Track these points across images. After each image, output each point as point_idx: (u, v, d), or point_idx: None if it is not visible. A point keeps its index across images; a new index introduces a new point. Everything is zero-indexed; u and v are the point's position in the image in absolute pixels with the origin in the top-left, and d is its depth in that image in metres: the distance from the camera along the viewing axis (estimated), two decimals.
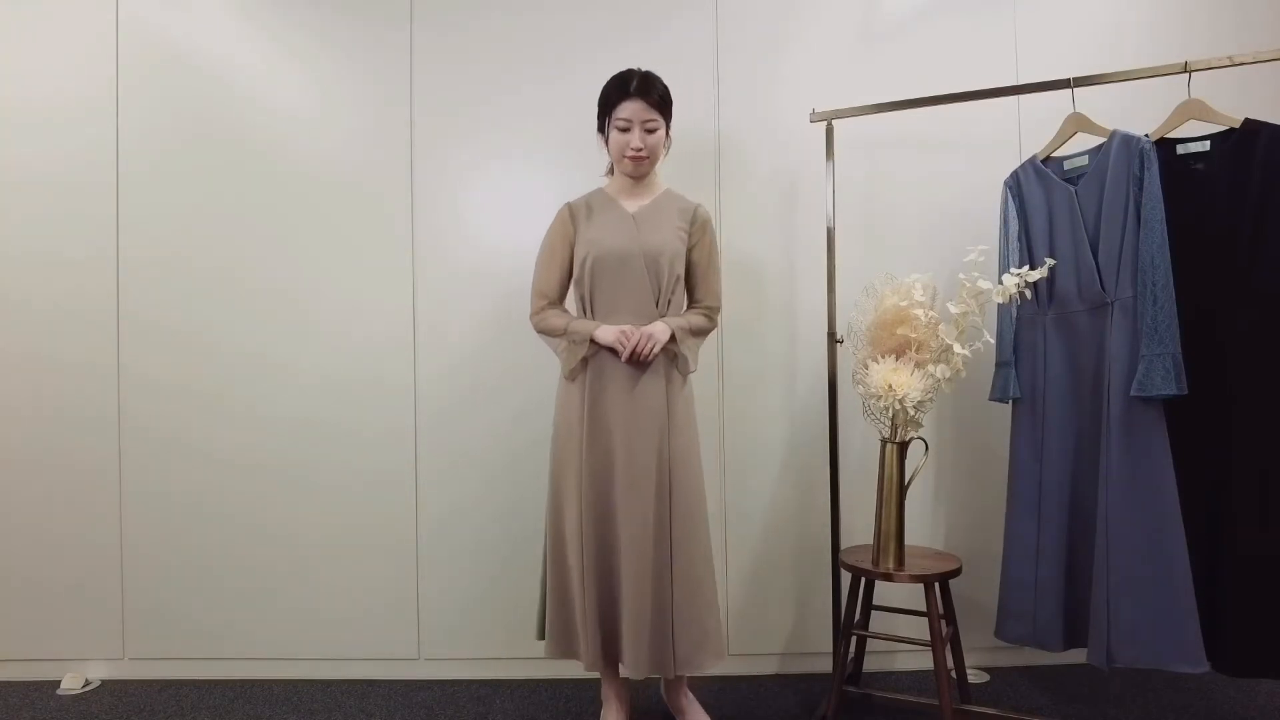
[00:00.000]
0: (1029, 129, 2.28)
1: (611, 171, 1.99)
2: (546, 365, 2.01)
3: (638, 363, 1.83)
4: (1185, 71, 1.76)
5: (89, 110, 2.35)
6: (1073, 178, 1.89)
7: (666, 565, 1.81)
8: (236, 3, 2.38)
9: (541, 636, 1.93)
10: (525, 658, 2.28)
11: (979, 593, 2.22)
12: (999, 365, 2.01)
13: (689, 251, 1.93)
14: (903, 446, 1.92)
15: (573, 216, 1.95)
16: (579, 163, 2.21)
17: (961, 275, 1.88)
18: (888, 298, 1.93)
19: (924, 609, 1.89)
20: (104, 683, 2.32)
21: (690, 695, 1.98)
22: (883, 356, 1.91)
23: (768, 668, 2.35)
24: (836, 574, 2.13)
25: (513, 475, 2.32)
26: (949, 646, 1.97)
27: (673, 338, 1.86)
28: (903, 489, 1.92)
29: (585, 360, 1.86)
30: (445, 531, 2.34)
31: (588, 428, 1.84)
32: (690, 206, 1.96)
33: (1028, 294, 1.88)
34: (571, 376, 1.88)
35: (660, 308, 1.89)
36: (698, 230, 1.94)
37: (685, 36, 2.36)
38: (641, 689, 2.15)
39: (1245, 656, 1.70)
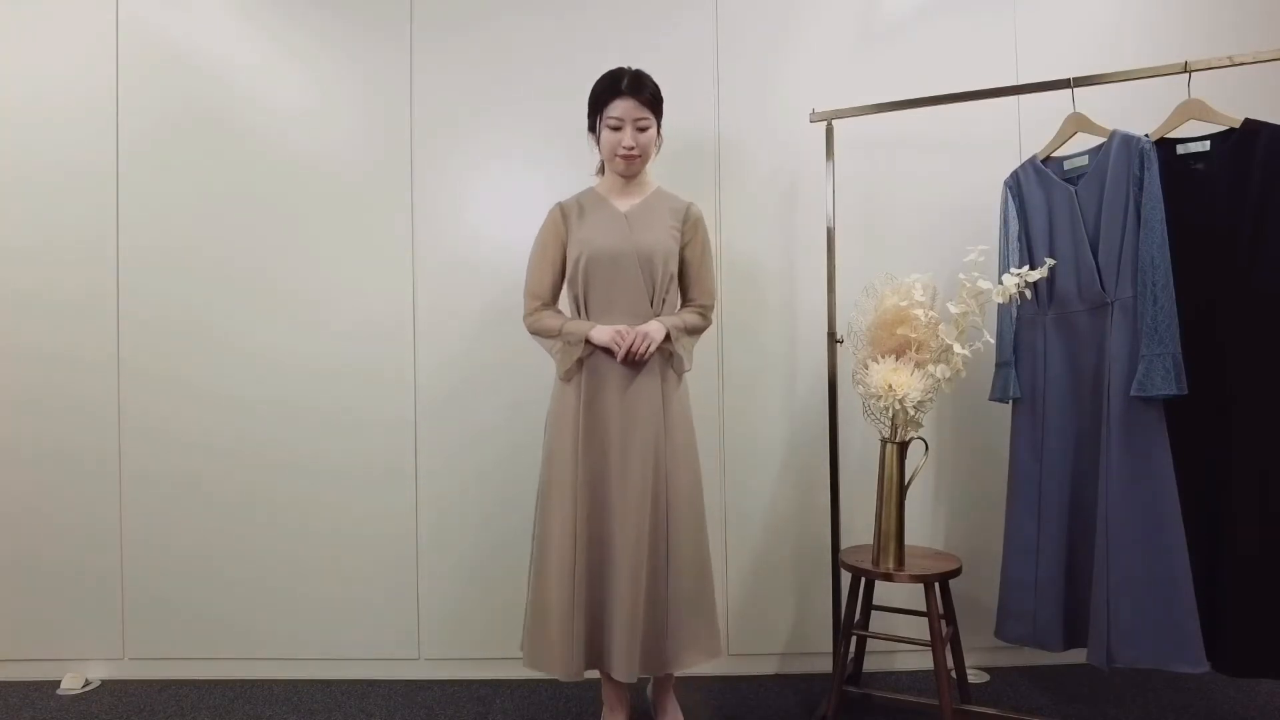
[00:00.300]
0: (1029, 129, 2.28)
1: (602, 170, 1.98)
2: (545, 357, 1.99)
3: (633, 363, 1.83)
4: (1185, 71, 1.76)
5: (89, 110, 2.35)
6: (1073, 178, 1.89)
7: (662, 564, 1.81)
8: (236, 3, 2.38)
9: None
10: None
11: (979, 593, 2.22)
12: (999, 365, 2.01)
13: (682, 250, 1.93)
14: (903, 446, 1.92)
15: (564, 216, 1.93)
16: (579, 162, 2.20)
17: (961, 275, 1.88)
18: (888, 298, 1.92)
19: (924, 609, 1.89)
20: (104, 683, 2.32)
21: (674, 698, 1.95)
22: (883, 356, 1.91)
23: (768, 668, 2.35)
24: (836, 574, 2.13)
25: (512, 469, 2.32)
26: (949, 646, 1.96)
27: (668, 337, 1.85)
28: (903, 489, 1.91)
29: (580, 361, 1.86)
30: (445, 525, 2.35)
31: (584, 428, 1.83)
32: (682, 205, 1.95)
33: (1028, 294, 1.88)
34: (567, 378, 1.87)
35: (655, 307, 1.89)
36: (690, 228, 1.93)
37: (685, 36, 2.36)
38: (640, 691, 2.15)
39: (1245, 656, 1.70)
